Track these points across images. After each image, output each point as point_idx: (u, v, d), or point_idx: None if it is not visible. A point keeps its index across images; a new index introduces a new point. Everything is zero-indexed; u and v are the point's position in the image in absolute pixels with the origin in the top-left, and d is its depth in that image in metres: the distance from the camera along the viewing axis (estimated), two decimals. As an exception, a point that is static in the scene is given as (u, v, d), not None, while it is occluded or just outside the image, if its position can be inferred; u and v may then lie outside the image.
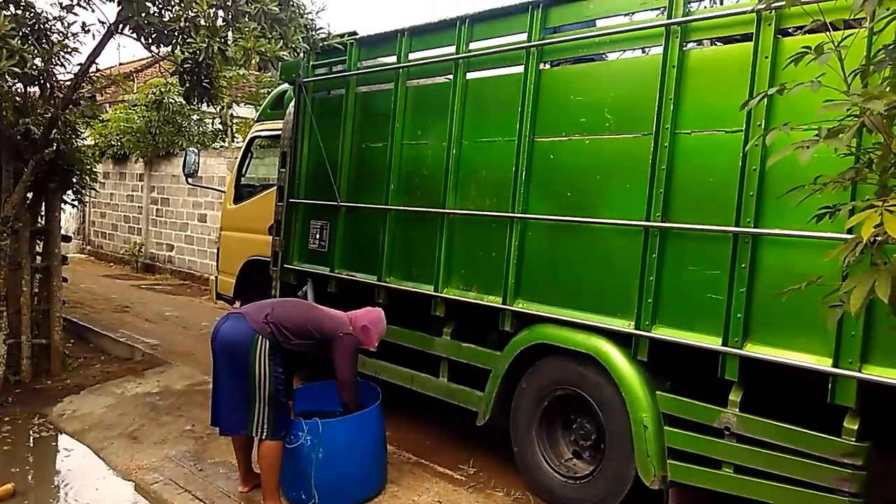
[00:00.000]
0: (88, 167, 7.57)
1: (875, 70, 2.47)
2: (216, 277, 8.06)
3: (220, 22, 4.41)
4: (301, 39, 4.66)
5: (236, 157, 8.91)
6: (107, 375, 7.11)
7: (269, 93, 10.46)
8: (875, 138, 2.55)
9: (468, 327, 4.98)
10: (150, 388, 6.67)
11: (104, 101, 13.80)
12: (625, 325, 3.91)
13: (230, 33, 4.40)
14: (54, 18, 5.75)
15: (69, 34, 5.89)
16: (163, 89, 14.66)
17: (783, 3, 3.04)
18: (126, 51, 25.71)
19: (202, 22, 4.26)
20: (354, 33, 5.77)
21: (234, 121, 16.37)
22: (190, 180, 8.18)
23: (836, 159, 2.78)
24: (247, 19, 4.34)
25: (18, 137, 6.23)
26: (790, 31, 3.43)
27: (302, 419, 4.16)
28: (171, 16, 4.57)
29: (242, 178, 7.77)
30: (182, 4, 4.43)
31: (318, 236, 6.08)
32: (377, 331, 4.42)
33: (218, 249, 8.13)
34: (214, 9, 4.26)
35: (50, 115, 5.80)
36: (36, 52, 4.80)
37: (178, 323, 9.61)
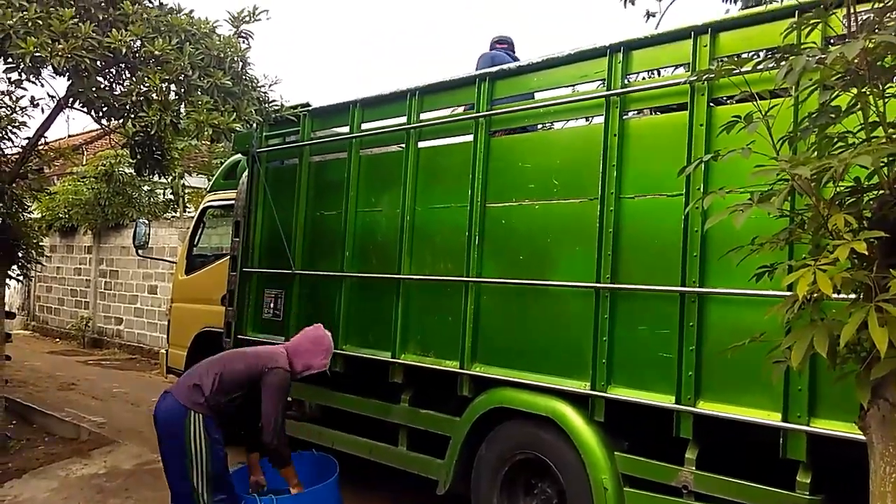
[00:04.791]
0: (35, 241, 7.41)
1: (801, 137, 2.63)
2: (167, 350, 7.89)
3: (172, 96, 4.45)
4: (254, 112, 4.72)
5: (188, 228, 8.85)
6: (51, 457, 6.82)
7: (221, 163, 10.50)
8: (806, 200, 2.70)
9: (426, 394, 4.96)
10: (97, 470, 6.42)
11: (52, 173, 13.65)
12: (581, 387, 3.96)
13: (182, 107, 4.44)
14: (2, 93, 5.75)
15: (17, 108, 5.90)
16: (113, 161, 14.59)
17: (713, 75, 3.23)
18: (76, 123, 25.47)
19: (154, 96, 4.30)
20: (307, 105, 5.88)
21: (186, 191, 16.31)
22: (140, 252, 8.08)
23: (772, 220, 2.91)
24: (199, 93, 4.39)
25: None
26: (723, 100, 3.63)
27: (256, 496, 4.06)
28: (123, 90, 4.59)
29: (194, 249, 7.70)
30: (134, 79, 4.47)
31: (272, 305, 6.04)
32: (322, 349, 4.31)
33: (169, 321, 7.99)
34: (167, 83, 4.31)
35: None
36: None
37: (126, 399, 9.33)
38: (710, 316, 3.55)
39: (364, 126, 5.41)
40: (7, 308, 7.32)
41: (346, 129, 5.54)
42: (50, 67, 4.62)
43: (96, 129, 18.30)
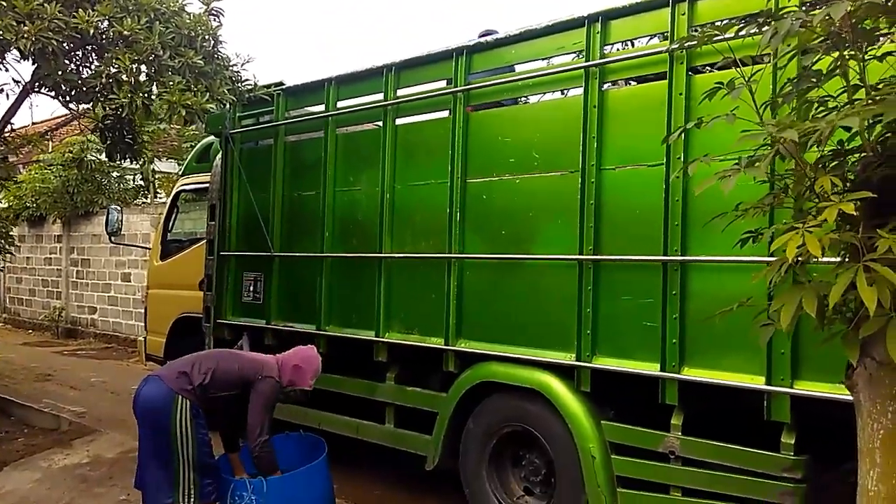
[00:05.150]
0: (3, 230, 7.24)
1: (783, 101, 2.64)
2: (145, 338, 7.79)
3: (143, 77, 4.34)
4: (227, 91, 4.63)
5: (160, 213, 8.72)
6: (32, 449, 6.72)
7: (192, 146, 10.33)
8: (788, 165, 2.71)
9: (412, 372, 4.96)
10: (80, 459, 6.34)
11: (18, 161, 13.33)
12: (566, 358, 3.98)
13: (154, 87, 4.33)
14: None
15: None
16: (81, 147, 14.29)
17: (695, 42, 3.23)
18: (40, 110, 24.77)
19: (124, 77, 4.19)
20: (281, 83, 5.79)
21: (157, 176, 16.04)
22: (113, 238, 7.94)
23: (755, 187, 2.94)
24: (171, 73, 4.29)
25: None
26: (701, 68, 3.63)
27: (246, 478, 4.04)
28: (91, 72, 4.47)
29: (169, 234, 7.59)
30: (103, 60, 4.35)
31: (251, 288, 5.98)
32: (311, 369, 4.28)
33: (145, 308, 7.88)
34: (137, 64, 4.20)
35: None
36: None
37: (104, 388, 9.22)
38: (692, 284, 3.58)
39: (340, 104, 5.35)
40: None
41: (321, 108, 5.46)
42: (15, 51, 4.50)
43: (63, 115, 17.86)
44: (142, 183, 15.89)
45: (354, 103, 5.28)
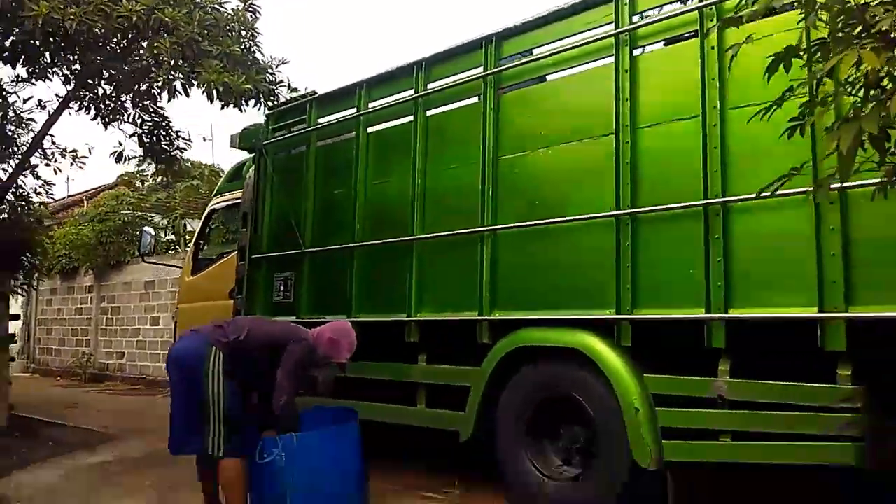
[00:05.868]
0: (39, 248, 6.94)
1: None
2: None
3: (181, 61, 4.19)
4: (263, 80, 4.47)
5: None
6: (57, 451, 6.25)
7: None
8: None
9: (443, 353, 4.61)
10: (105, 458, 5.89)
11: (53, 223, 13.11)
12: (606, 314, 3.67)
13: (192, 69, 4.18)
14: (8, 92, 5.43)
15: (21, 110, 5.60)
16: (114, 203, 14.16)
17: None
18: (75, 183, 24.87)
19: (164, 58, 4.03)
20: (314, 93, 5.67)
21: (187, 231, 15.82)
22: (146, 259, 7.65)
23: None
24: (209, 58, 4.14)
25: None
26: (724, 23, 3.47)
27: (276, 436, 3.64)
28: (133, 59, 4.31)
29: (200, 252, 7.31)
30: (144, 45, 4.20)
31: (282, 288, 5.68)
32: (347, 342, 3.94)
33: (175, 324, 7.52)
34: (177, 47, 4.04)
35: (6, 178, 5.34)
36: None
37: (131, 412, 8.76)
38: (734, 226, 3.32)
39: (371, 105, 5.19)
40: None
41: (352, 111, 5.31)
42: (61, 70, 4.38)
43: (97, 187, 17.95)
44: (173, 237, 15.67)
45: (385, 102, 5.12)
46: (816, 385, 3.01)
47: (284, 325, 3.95)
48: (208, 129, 25.86)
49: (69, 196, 18.62)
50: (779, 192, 2.95)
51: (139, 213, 13.27)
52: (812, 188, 2.63)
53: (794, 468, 3.13)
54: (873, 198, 2.28)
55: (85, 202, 17.37)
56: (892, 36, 1.90)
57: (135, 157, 5.57)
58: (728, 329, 3.27)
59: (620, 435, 3.54)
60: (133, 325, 13.56)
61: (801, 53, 2.31)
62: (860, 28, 2.07)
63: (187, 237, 15.60)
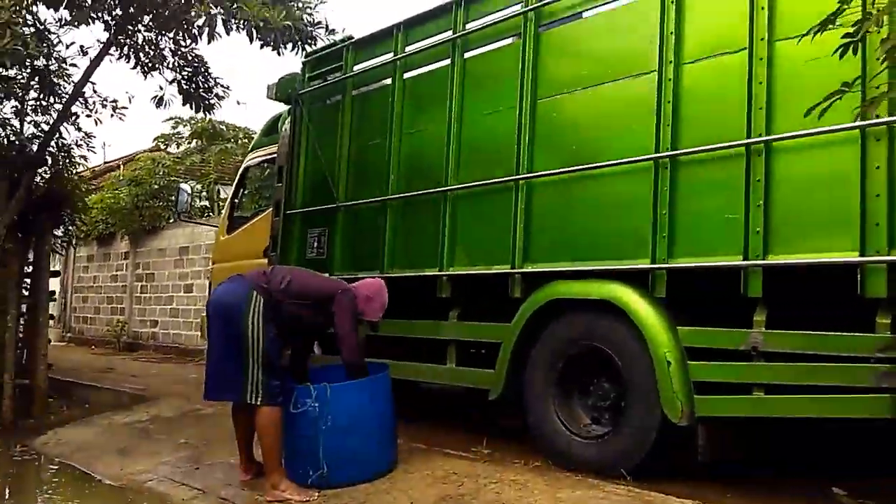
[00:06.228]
0: (80, 203, 7.52)
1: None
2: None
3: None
4: (301, 18, 4.79)
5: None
6: (92, 411, 6.84)
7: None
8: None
9: (474, 310, 4.89)
10: (140, 417, 6.41)
11: (92, 189, 13.87)
12: (641, 263, 3.87)
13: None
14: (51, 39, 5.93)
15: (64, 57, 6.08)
16: (151, 166, 14.90)
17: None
18: (112, 149, 26.10)
19: (204, -6, 4.39)
20: (351, 37, 5.97)
21: (220, 198, 16.53)
22: (182, 217, 8.16)
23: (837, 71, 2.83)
24: (249, -5, 4.48)
25: (14, 153, 6.25)
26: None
27: (309, 384, 4.00)
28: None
29: (236, 210, 7.77)
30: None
31: (315, 244, 6.05)
32: (380, 301, 4.31)
33: (209, 283, 8.02)
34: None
35: (48, 128, 5.85)
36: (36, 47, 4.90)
37: (165, 376, 9.37)
38: (777, 168, 3.46)
39: (408, 49, 5.46)
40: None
41: (389, 57, 5.59)
42: (102, 16, 4.76)
43: (132, 154, 18.87)
44: (207, 204, 16.40)
45: (423, 45, 5.37)
46: (854, 335, 3.15)
47: (327, 277, 4.30)
48: (242, 95, 26.60)
49: (105, 163, 19.65)
50: (823, 129, 3.16)
51: (173, 178, 13.93)
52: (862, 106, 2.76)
53: (827, 422, 3.28)
54: None
55: (121, 167, 18.30)
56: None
57: (173, 102, 6.00)
58: (765, 277, 3.43)
59: (651, 390, 3.74)
60: (167, 292, 14.32)
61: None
62: None
63: (221, 203, 16.32)
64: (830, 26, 2.66)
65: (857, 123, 3.05)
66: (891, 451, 3.88)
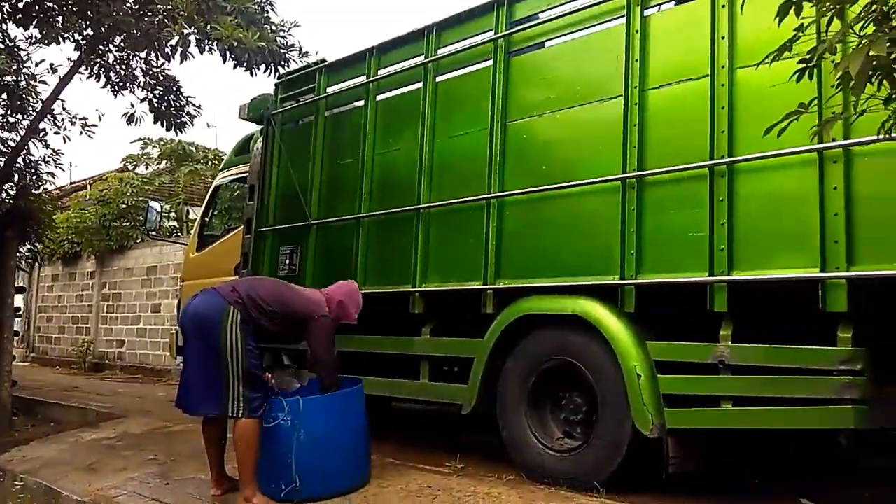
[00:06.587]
0: (47, 220, 7.38)
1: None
2: (176, 332, 7.77)
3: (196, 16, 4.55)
4: (275, 39, 4.81)
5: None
6: (59, 429, 6.68)
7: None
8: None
9: (446, 327, 4.91)
10: (107, 434, 6.28)
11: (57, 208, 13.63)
12: (609, 279, 3.93)
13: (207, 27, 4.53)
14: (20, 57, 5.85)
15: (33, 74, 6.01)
16: (118, 186, 14.67)
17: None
18: (78, 170, 25.69)
19: (181, 12, 4.39)
20: (323, 60, 6.00)
21: (190, 218, 16.33)
22: (152, 235, 8.06)
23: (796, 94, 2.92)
24: (224, 15, 4.49)
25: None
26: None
27: (282, 398, 3.97)
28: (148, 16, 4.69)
29: (206, 228, 7.70)
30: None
31: (287, 261, 6.02)
32: (354, 303, 4.34)
33: (179, 302, 7.91)
34: (194, 3, 4.40)
35: (15, 144, 5.77)
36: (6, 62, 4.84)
37: (131, 395, 9.19)
38: (740, 188, 3.56)
39: (381, 72, 5.50)
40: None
41: (362, 79, 5.62)
42: (73, 36, 4.73)
43: (100, 174, 18.58)
44: (175, 224, 16.19)
45: (395, 68, 5.42)
46: (816, 348, 3.23)
47: (301, 296, 4.25)
48: (213, 117, 26.54)
49: (72, 183, 19.32)
50: (783, 150, 3.26)
51: (141, 197, 13.75)
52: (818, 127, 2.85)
53: (793, 433, 3.36)
54: (878, 132, 2.47)
55: (89, 187, 18.00)
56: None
57: (145, 119, 5.92)
58: (730, 293, 3.51)
59: (622, 402, 3.79)
60: (134, 312, 14.07)
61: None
62: None
63: (190, 223, 16.13)
64: (787, 53, 2.75)
65: (815, 146, 3.16)
66: (854, 461, 3.97)
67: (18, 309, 7.30)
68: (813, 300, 3.26)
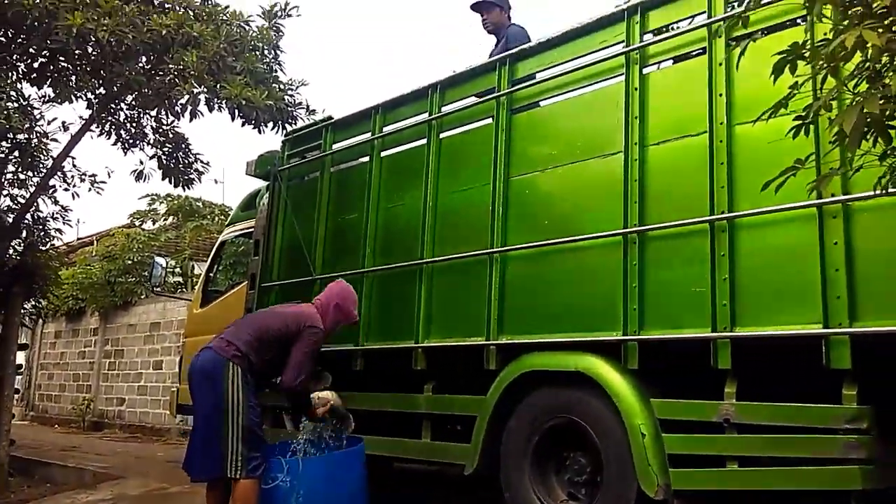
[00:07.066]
0: (53, 276, 7.44)
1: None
2: (177, 389, 7.75)
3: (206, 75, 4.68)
4: (283, 98, 4.94)
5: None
6: (55, 491, 6.60)
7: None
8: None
9: (449, 384, 4.88)
10: (104, 496, 6.21)
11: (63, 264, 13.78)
12: (612, 335, 3.92)
13: (217, 86, 4.66)
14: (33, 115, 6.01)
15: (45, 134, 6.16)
16: (124, 242, 14.81)
17: (729, 15, 3.49)
18: (86, 226, 25.91)
19: (191, 72, 4.53)
20: (330, 118, 6.13)
21: (195, 273, 16.41)
22: (157, 290, 8.10)
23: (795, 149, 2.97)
24: (233, 74, 4.62)
25: (-13, 226, 6.23)
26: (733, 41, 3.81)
27: (280, 458, 3.93)
28: (160, 74, 4.83)
29: (210, 284, 7.74)
30: (172, 59, 4.71)
31: (290, 317, 6.01)
32: (351, 300, 4.55)
33: (181, 358, 7.90)
34: (203, 62, 4.53)
35: (25, 200, 5.87)
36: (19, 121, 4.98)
37: (130, 454, 9.09)
38: (741, 243, 3.58)
39: (386, 129, 5.61)
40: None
41: (367, 136, 5.73)
42: (85, 95, 4.89)
43: (107, 230, 18.81)
44: (180, 279, 16.26)
45: (400, 125, 5.54)
46: (822, 406, 3.19)
47: (291, 313, 4.36)
48: (220, 173, 26.91)
49: (79, 239, 19.50)
50: (782, 206, 3.30)
51: (147, 253, 13.86)
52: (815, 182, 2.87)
53: (801, 494, 3.29)
54: (875, 188, 2.49)
55: (95, 242, 18.17)
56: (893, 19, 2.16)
57: (153, 175, 6.07)
58: (734, 349, 3.49)
59: (626, 463, 3.73)
60: (136, 369, 14.03)
61: (806, 53, 2.58)
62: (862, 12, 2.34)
63: (195, 279, 16.20)
64: (783, 110, 2.81)
65: (813, 202, 3.20)
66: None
67: (20, 366, 7.26)
68: (817, 357, 3.24)
